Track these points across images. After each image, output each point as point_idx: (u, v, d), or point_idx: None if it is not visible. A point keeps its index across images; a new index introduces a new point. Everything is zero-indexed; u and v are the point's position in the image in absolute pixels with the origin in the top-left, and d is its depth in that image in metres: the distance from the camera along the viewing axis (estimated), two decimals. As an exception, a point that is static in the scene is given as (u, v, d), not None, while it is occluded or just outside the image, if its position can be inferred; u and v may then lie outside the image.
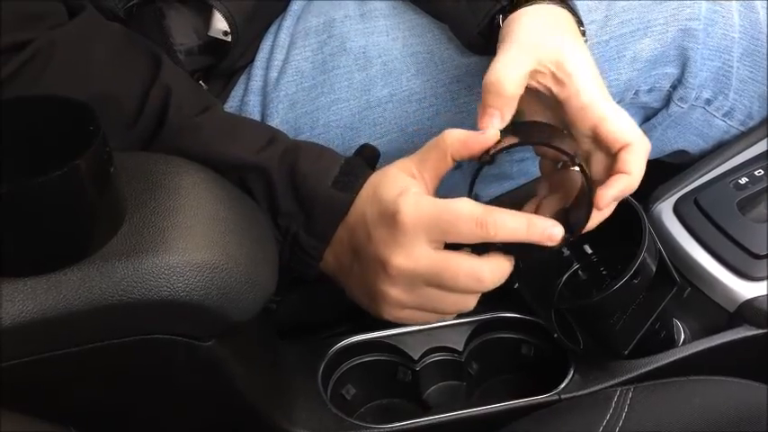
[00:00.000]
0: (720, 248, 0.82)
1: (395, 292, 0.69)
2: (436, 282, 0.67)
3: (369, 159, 0.75)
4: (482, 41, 0.80)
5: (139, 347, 0.63)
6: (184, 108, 0.71)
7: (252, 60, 0.88)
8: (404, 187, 0.68)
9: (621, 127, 0.70)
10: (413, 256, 0.67)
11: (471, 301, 0.69)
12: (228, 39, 0.81)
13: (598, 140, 0.70)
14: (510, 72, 0.70)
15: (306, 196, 0.71)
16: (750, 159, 0.89)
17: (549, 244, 0.67)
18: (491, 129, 0.69)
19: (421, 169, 0.70)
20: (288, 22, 0.88)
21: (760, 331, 0.79)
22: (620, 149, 0.70)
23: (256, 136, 0.73)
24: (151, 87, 0.71)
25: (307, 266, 0.73)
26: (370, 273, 0.69)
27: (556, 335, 0.78)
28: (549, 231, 0.67)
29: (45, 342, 0.60)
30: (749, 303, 0.80)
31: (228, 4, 0.80)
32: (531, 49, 0.71)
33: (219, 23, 0.81)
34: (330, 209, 0.71)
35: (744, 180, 0.86)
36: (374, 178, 0.71)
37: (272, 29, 0.88)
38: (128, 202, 0.62)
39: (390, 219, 0.67)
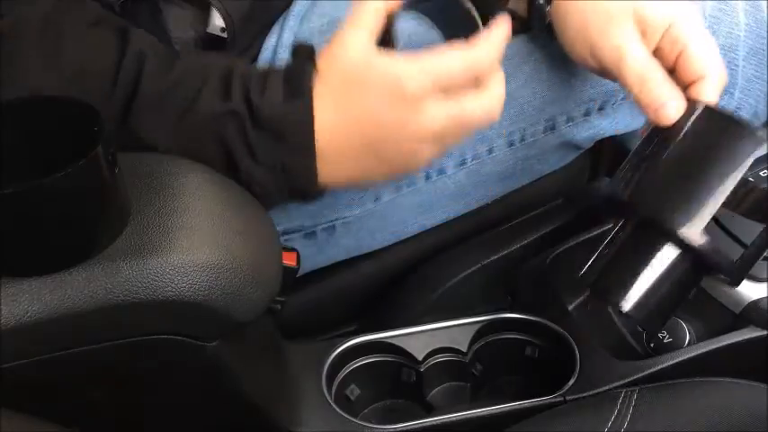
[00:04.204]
0: (725, 249, 0.82)
1: (427, 114, 0.69)
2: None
3: (307, 55, 0.73)
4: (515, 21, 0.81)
5: (143, 347, 0.63)
6: (156, 72, 0.70)
7: (254, 60, 0.87)
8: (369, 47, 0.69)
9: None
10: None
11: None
12: (225, 35, 0.81)
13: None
14: None
15: (270, 126, 0.69)
16: (755, 159, 0.89)
17: None
18: None
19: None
20: (291, 22, 0.88)
21: (765, 332, 0.79)
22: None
23: (217, 82, 0.71)
24: (123, 57, 0.70)
25: (307, 187, 0.72)
26: (390, 135, 0.70)
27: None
28: None
29: (50, 342, 0.60)
30: (754, 305, 0.80)
31: (227, 3, 0.80)
32: None
33: (217, 20, 0.81)
34: (295, 121, 0.69)
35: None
36: (324, 62, 0.70)
37: (276, 29, 0.88)
38: (132, 202, 0.62)
39: (387, 78, 0.68)
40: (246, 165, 0.70)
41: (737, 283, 0.75)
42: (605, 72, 0.77)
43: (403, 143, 0.70)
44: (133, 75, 0.70)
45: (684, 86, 0.72)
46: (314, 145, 0.70)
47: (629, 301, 0.70)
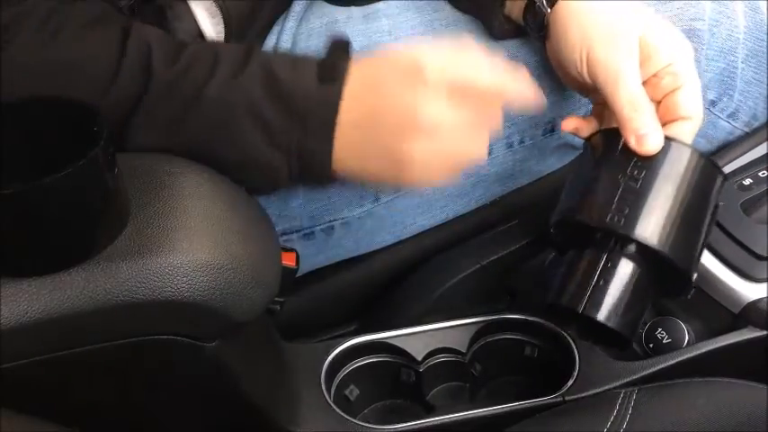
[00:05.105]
0: (724, 250, 0.82)
1: (421, 142, 0.68)
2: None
3: (343, 48, 0.72)
4: (511, 25, 0.82)
5: (143, 348, 0.63)
6: (165, 55, 0.69)
7: None
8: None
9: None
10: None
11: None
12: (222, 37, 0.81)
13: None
14: None
15: (293, 103, 0.68)
16: (754, 160, 0.89)
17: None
18: None
19: None
20: (290, 23, 0.88)
21: (764, 333, 0.79)
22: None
23: (231, 62, 0.70)
24: (126, 42, 0.68)
25: (320, 173, 0.71)
26: (394, 130, 0.69)
27: None
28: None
29: (50, 342, 0.60)
30: (753, 305, 0.80)
31: (228, 3, 0.80)
32: None
33: (218, 25, 0.81)
34: (323, 103, 0.69)
35: (748, 181, 0.86)
36: (363, 62, 0.70)
37: (275, 30, 0.88)
38: (131, 202, 0.62)
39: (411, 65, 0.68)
40: (260, 150, 0.69)
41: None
42: (586, 86, 0.76)
43: (402, 118, 0.69)
44: (139, 57, 0.68)
45: (664, 122, 0.73)
46: (334, 128, 0.69)
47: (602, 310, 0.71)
